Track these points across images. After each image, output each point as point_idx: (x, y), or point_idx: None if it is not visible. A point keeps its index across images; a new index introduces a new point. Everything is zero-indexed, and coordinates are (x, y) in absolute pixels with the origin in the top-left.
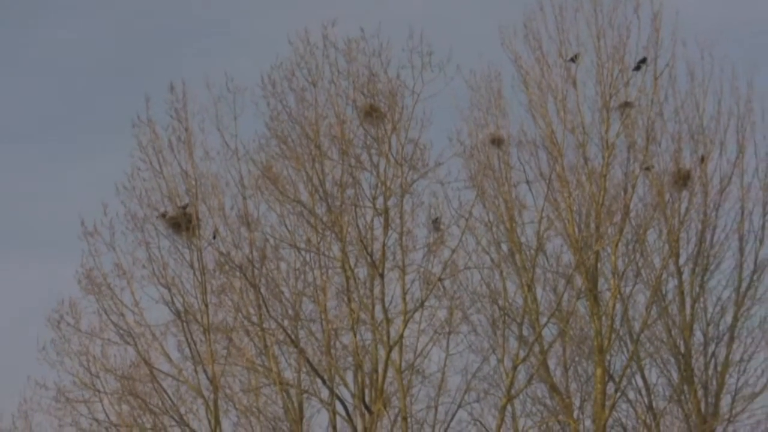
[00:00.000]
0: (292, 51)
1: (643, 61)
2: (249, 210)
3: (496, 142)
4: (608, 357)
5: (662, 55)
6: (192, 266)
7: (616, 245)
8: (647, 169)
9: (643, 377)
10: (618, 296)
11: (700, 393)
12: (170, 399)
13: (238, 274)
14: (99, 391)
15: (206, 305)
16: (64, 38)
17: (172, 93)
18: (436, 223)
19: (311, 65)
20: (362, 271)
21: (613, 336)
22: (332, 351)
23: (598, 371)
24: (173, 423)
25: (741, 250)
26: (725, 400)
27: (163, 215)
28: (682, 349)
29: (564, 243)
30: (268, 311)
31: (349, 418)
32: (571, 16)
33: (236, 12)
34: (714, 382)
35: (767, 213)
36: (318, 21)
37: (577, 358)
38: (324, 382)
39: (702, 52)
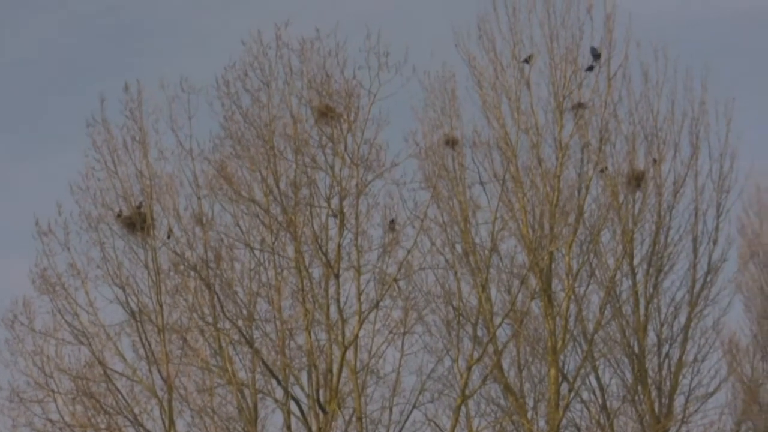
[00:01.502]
0: (246, 51)
1: (597, 56)
2: (203, 210)
3: (451, 143)
4: (562, 357)
5: (615, 56)
6: (146, 266)
7: (570, 246)
8: (602, 171)
9: (597, 377)
10: (572, 297)
11: (653, 393)
12: (124, 399)
13: (192, 274)
14: (53, 391)
15: (161, 305)
16: (18, 37)
17: (127, 93)
18: (391, 224)
19: (264, 66)
20: (317, 272)
21: (567, 336)
22: (287, 351)
23: (552, 371)
24: (127, 423)
25: (695, 251)
26: (679, 401)
27: (119, 215)
28: (636, 350)
29: (518, 243)
30: (222, 311)
31: (304, 418)
32: (525, 17)
33: (190, 12)
34: (668, 383)
35: (721, 214)
36: (273, 21)
37: (531, 359)
38: (279, 382)
39: (656, 53)
